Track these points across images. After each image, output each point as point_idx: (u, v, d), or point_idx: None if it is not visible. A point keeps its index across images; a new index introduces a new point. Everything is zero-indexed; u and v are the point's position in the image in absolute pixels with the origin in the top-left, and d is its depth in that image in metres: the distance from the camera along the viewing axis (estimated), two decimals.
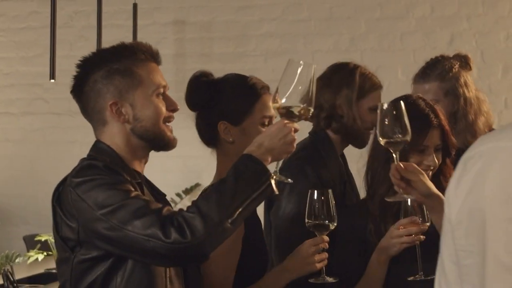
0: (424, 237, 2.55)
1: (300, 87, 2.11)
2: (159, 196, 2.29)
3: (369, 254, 2.69)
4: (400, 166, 2.43)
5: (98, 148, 2.23)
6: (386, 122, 2.37)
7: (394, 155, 2.42)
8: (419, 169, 2.46)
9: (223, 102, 2.53)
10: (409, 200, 2.48)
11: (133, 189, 2.07)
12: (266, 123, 2.55)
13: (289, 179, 2.18)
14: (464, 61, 3.51)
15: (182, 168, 5.77)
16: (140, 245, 1.98)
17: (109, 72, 2.21)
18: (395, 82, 5.60)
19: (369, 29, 5.70)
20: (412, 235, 2.53)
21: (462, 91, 3.42)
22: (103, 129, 2.24)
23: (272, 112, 2.54)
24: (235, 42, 5.71)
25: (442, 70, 3.51)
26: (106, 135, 2.24)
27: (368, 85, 3.30)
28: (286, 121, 2.13)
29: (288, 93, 2.10)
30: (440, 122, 2.72)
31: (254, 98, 2.57)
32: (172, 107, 2.27)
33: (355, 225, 2.76)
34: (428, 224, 2.54)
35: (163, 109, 2.23)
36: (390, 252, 2.60)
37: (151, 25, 6.07)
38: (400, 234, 2.55)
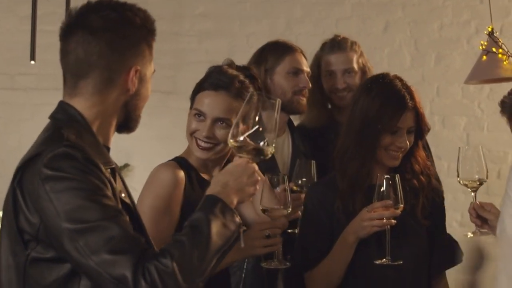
0: (395, 221, 2.54)
1: (263, 124, 1.99)
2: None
3: (335, 232, 2.67)
4: (478, 205, 2.54)
5: (68, 114, 1.97)
6: (467, 167, 2.61)
7: (472, 194, 2.63)
8: (497, 209, 2.51)
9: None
10: (384, 183, 2.51)
11: (111, 201, 1.83)
12: (197, 116, 2.65)
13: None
14: None
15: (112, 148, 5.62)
16: (101, 281, 1.78)
17: (141, 37, 2.02)
18: None
19: (305, 13, 5.66)
20: (383, 219, 2.53)
21: None
22: (95, 90, 1.97)
23: (206, 110, 2.61)
24: (169, 21, 5.61)
25: None
26: (94, 98, 1.97)
27: (280, 51, 3.33)
28: (247, 159, 2.04)
29: (251, 130, 1.99)
30: (415, 104, 2.72)
31: (198, 89, 2.70)
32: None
33: (323, 201, 2.73)
34: (400, 209, 2.54)
35: (149, 93, 2.12)
36: (360, 234, 2.59)
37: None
38: (372, 217, 2.55)
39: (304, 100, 3.31)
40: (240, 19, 5.73)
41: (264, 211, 2.44)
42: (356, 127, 2.71)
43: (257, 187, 2.06)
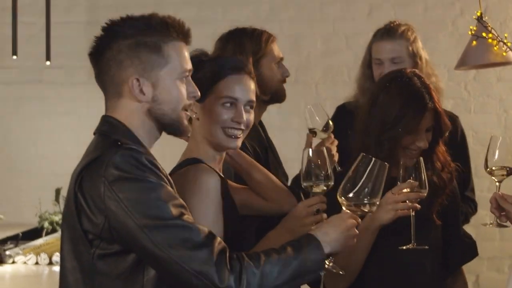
0: (420, 206, 2.50)
1: (370, 184, 2.15)
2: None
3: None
4: (499, 195, 2.50)
5: (111, 124, 2.07)
6: (496, 156, 2.61)
7: (497, 184, 2.60)
8: None
9: (196, 78, 2.36)
10: (409, 166, 2.51)
11: (177, 199, 1.96)
12: (229, 104, 2.47)
13: (341, 271, 2.18)
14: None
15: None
16: (182, 277, 1.91)
17: (137, 44, 2.05)
18: (315, 52, 5.56)
19: None
20: (408, 203, 2.49)
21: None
22: (117, 103, 2.09)
23: (240, 94, 2.49)
24: (151, 9, 5.52)
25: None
26: (119, 110, 2.08)
27: (263, 41, 3.28)
28: (351, 214, 2.15)
29: (357, 188, 2.14)
30: (434, 104, 2.67)
31: (219, 76, 2.50)
32: (193, 94, 2.14)
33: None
34: (425, 192, 2.49)
35: (185, 95, 2.10)
36: (384, 219, 2.53)
37: None
38: (398, 200, 2.50)
39: (285, 88, 3.29)
40: (223, 6, 5.68)
41: (307, 187, 2.42)
42: (376, 128, 2.67)
43: (354, 241, 2.16)
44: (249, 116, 2.50)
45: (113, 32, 2.08)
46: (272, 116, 3.48)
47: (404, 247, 2.50)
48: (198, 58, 2.51)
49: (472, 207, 3.66)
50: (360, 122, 2.74)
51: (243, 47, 3.16)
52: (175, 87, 2.08)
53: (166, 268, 1.92)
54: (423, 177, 2.50)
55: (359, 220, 2.17)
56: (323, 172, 2.39)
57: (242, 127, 2.49)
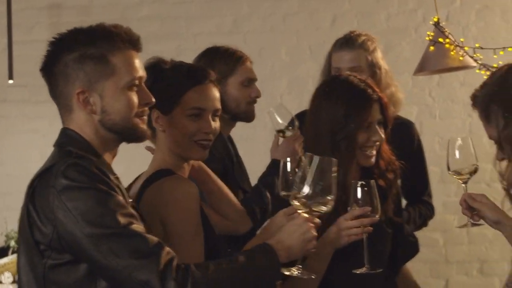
0: (372, 228, 2.48)
1: (320, 182, 2.10)
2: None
3: None
4: (469, 195, 2.51)
5: (69, 136, 2.08)
6: (457, 157, 2.59)
7: (463, 185, 2.60)
8: (488, 199, 2.49)
9: (158, 90, 2.35)
10: (358, 189, 2.45)
11: (126, 208, 1.95)
12: (196, 115, 2.44)
13: (313, 275, 2.16)
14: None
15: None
16: (127, 286, 1.91)
17: (82, 56, 2.04)
18: (279, 63, 5.57)
19: (252, 10, 5.63)
20: (361, 227, 2.46)
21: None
22: (70, 116, 2.09)
23: (206, 104, 2.45)
24: None
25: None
26: (74, 122, 2.09)
27: (233, 60, 3.29)
28: (305, 217, 2.12)
29: (308, 189, 2.10)
30: (378, 95, 2.67)
31: (185, 87, 2.46)
32: (145, 101, 2.11)
33: None
34: (378, 216, 2.48)
35: (136, 102, 2.08)
36: (337, 244, 2.50)
37: (25, 9, 5.80)
38: (350, 226, 2.47)
39: (254, 109, 3.30)
40: (186, 19, 5.67)
41: (286, 196, 2.44)
42: (327, 131, 2.65)
43: (314, 243, 2.14)
44: (216, 124, 2.50)
45: (59, 46, 2.08)
46: (238, 128, 3.48)
47: (358, 271, 2.49)
48: (158, 67, 2.49)
49: (430, 210, 3.71)
50: (309, 132, 2.73)
51: (213, 65, 3.17)
52: (124, 96, 2.06)
53: (113, 277, 1.91)
54: (375, 201, 2.46)
55: (317, 220, 2.15)
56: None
57: (211, 137, 2.48)
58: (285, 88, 5.57)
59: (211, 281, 1.92)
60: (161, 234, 2.21)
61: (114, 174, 2.07)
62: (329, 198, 2.13)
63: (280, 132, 3.04)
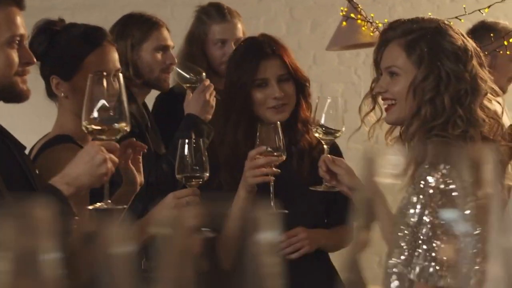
0: (279, 170, 2.46)
1: (111, 101, 2.02)
2: (19, 147, 2.09)
3: None
4: (328, 158, 2.42)
5: None
6: (324, 119, 2.49)
7: (325, 147, 2.49)
8: (347, 165, 2.43)
9: (55, 55, 2.34)
10: (262, 130, 2.46)
11: None
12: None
13: (119, 207, 2.04)
14: None
15: None
16: None
17: None
18: None
19: None
20: (265, 167, 2.43)
21: None
22: None
23: (108, 67, 2.39)
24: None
25: None
26: None
27: (147, 26, 3.29)
28: (95, 142, 1.99)
29: (97, 110, 2.00)
30: (279, 51, 2.65)
31: (84, 52, 2.42)
32: (26, 60, 2.04)
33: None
34: (281, 157, 2.46)
35: (15, 60, 2.01)
36: (246, 184, 2.46)
37: None
38: (251, 166, 2.43)
39: (169, 77, 3.28)
40: None
41: (181, 179, 2.42)
42: (239, 95, 2.65)
43: (107, 166, 1.96)
44: (116, 85, 2.49)
45: None
46: None
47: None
48: (49, 30, 2.44)
49: None
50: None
51: (127, 31, 3.16)
52: (3, 53, 2.00)
53: None
54: (277, 139, 2.44)
55: (103, 149, 1.98)
56: (197, 165, 2.35)
57: (114, 99, 2.47)
58: None
59: None
60: None
61: None
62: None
63: (189, 86, 3.00)
